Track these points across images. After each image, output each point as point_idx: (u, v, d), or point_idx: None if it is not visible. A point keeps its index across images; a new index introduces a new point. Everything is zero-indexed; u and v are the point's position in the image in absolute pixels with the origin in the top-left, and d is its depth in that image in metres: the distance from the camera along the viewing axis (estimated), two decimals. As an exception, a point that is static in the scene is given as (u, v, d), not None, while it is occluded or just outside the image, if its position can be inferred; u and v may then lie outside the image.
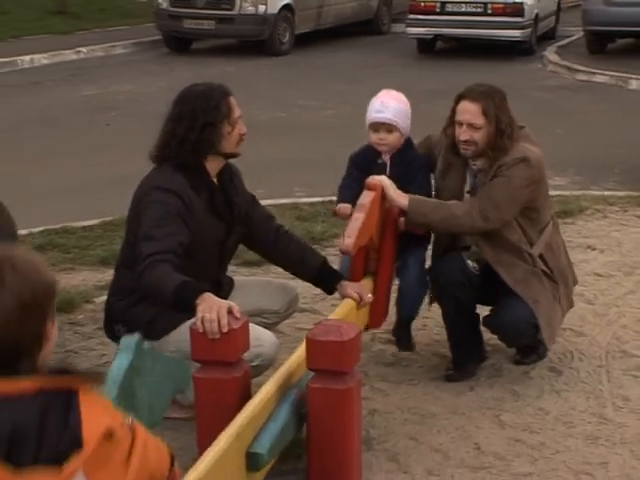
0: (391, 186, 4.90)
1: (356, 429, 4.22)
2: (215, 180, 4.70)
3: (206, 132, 4.53)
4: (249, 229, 4.88)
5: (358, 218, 4.72)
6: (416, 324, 5.49)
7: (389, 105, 5.14)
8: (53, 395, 2.35)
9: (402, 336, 5.32)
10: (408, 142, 5.24)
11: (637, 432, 4.70)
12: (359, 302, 4.71)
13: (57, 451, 2.31)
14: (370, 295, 4.82)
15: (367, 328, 5.04)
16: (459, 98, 5.00)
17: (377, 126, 5.14)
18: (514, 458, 4.48)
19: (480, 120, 4.89)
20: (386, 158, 5.20)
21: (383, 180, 4.91)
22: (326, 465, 4.12)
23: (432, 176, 5.33)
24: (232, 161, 4.78)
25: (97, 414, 2.40)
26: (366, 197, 4.83)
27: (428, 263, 5.33)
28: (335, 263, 5.32)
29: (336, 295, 4.96)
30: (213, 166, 4.66)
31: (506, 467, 4.41)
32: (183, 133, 4.54)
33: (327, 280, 4.89)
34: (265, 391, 4.04)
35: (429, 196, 5.19)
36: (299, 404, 4.11)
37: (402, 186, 4.96)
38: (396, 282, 5.29)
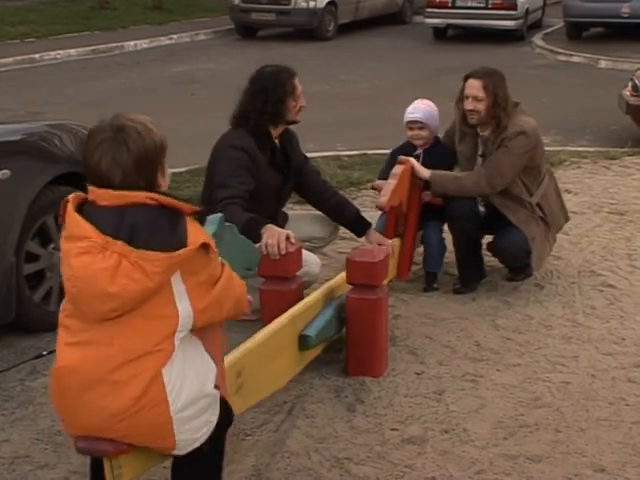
0: (417, 163, 4.97)
1: (384, 329, 4.24)
2: (277, 141, 4.67)
3: (277, 106, 4.51)
4: (301, 180, 4.84)
5: (391, 183, 4.77)
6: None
7: (420, 108, 5.22)
8: (166, 208, 2.53)
9: (430, 285, 5.27)
10: (437, 139, 5.30)
11: (601, 333, 4.67)
12: None
13: (167, 246, 2.48)
14: (390, 242, 4.77)
15: (392, 280, 4.99)
16: (467, 77, 5.00)
17: (411, 124, 5.21)
18: (506, 352, 4.47)
19: (482, 93, 4.89)
20: (420, 151, 5.22)
21: (411, 159, 4.97)
22: (361, 356, 4.14)
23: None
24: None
25: (199, 231, 2.58)
26: (397, 169, 4.89)
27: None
28: (369, 202, 5.27)
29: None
30: (277, 130, 4.63)
31: (499, 359, 4.39)
32: (260, 106, 4.51)
33: (360, 226, 4.83)
34: (314, 295, 4.11)
35: None
36: (340, 309, 4.13)
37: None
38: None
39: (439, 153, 5.20)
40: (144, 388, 2.52)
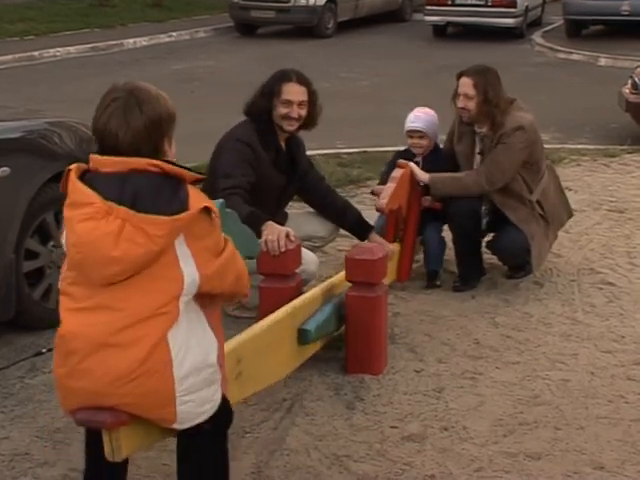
0: (416, 167, 5.01)
1: (383, 327, 4.24)
2: (283, 144, 4.70)
3: (263, 99, 4.59)
4: (304, 184, 4.86)
5: (390, 186, 4.81)
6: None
7: (420, 117, 5.27)
8: (168, 175, 2.57)
9: (431, 282, 5.27)
10: (436, 146, 5.35)
11: (601, 331, 4.68)
12: None
13: (169, 210, 2.52)
14: (392, 247, 4.78)
15: (393, 282, 5.00)
16: (459, 75, 5.04)
17: (412, 133, 5.28)
18: (505, 350, 4.47)
19: (472, 91, 4.92)
20: (419, 158, 5.26)
21: (410, 163, 5.01)
22: (360, 354, 4.14)
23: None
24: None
25: (200, 197, 2.63)
26: (397, 172, 4.92)
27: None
28: (368, 200, 5.27)
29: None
30: (282, 135, 4.67)
31: (499, 357, 4.40)
32: (254, 97, 4.65)
33: (362, 229, 4.84)
34: (313, 291, 4.12)
35: None
36: (339, 307, 4.14)
37: None
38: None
39: (438, 158, 5.25)
40: (149, 351, 2.52)
